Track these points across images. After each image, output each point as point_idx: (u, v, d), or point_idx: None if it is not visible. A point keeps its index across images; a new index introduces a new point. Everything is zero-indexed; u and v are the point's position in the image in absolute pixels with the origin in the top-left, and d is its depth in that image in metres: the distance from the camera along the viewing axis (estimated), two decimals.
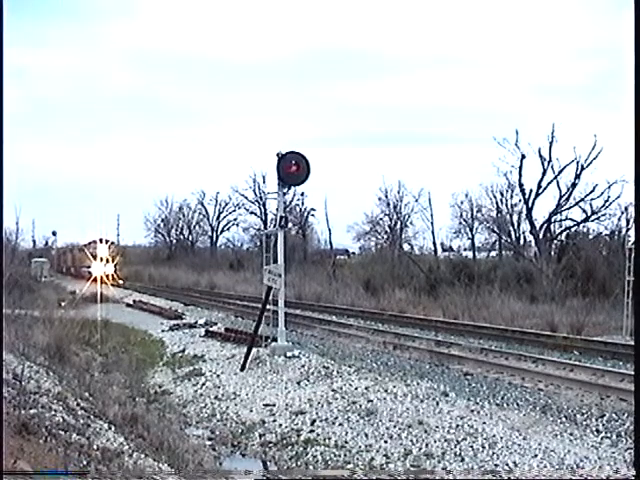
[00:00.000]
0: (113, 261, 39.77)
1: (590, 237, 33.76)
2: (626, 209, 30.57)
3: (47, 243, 74.24)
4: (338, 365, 13.36)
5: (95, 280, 22.70)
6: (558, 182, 33.53)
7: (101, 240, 41.77)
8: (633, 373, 9.39)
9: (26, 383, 8.00)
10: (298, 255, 45.29)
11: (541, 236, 34.35)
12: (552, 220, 34.46)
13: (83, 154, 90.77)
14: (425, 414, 9.76)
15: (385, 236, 44.92)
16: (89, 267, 37.45)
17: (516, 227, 37.12)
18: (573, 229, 34.50)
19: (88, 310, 22.45)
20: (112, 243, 52.17)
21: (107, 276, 32.02)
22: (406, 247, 42.77)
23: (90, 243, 49.73)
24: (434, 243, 40.07)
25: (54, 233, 71.85)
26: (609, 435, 8.62)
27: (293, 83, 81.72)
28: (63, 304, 24.15)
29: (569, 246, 32.85)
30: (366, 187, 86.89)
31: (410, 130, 75.47)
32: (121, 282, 45.39)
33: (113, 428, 7.68)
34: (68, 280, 51.28)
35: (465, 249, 42.76)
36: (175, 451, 7.53)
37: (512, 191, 35.79)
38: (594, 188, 32.34)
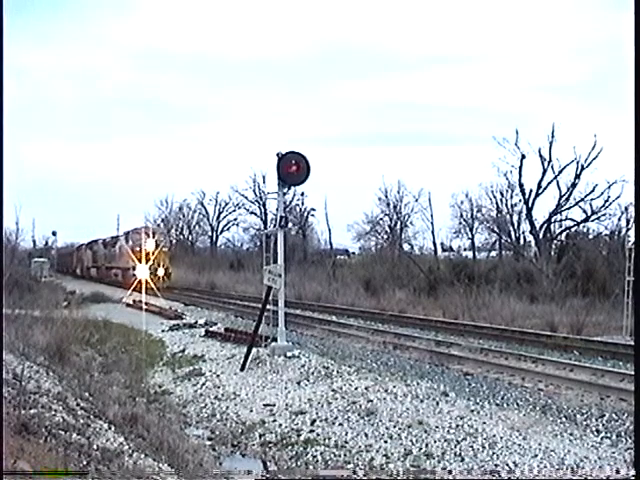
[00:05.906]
0: (162, 263, 27.51)
1: (590, 237, 33.78)
2: (626, 209, 30.62)
3: (47, 243, 74.20)
4: (338, 365, 13.35)
5: (139, 287, 16.01)
6: (558, 182, 33.62)
7: (146, 231, 30.27)
8: (633, 373, 9.40)
9: (26, 383, 7.99)
10: (298, 255, 45.25)
11: (541, 236, 34.37)
12: (552, 220, 34.51)
13: (83, 154, 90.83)
14: (425, 414, 9.75)
15: (385, 236, 44.94)
16: (130, 269, 26.15)
17: (516, 227, 37.19)
18: (573, 229, 34.56)
19: (88, 310, 22.41)
20: (162, 233, 39.51)
21: (155, 280, 22.69)
22: (406, 247, 42.79)
23: (129, 233, 35.62)
24: (434, 243, 40.14)
25: (54, 233, 71.62)
26: (609, 435, 8.61)
27: (293, 82, 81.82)
28: (65, 304, 24.08)
29: (569, 246, 32.86)
30: (366, 187, 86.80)
31: (410, 130, 75.58)
32: (175, 291, 32.19)
33: (113, 428, 7.67)
34: (73, 282, 50.29)
35: (465, 249, 42.80)
36: (175, 451, 7.52)
37: (512, 191, 35.89)
38: (594, 188, 32.43)
